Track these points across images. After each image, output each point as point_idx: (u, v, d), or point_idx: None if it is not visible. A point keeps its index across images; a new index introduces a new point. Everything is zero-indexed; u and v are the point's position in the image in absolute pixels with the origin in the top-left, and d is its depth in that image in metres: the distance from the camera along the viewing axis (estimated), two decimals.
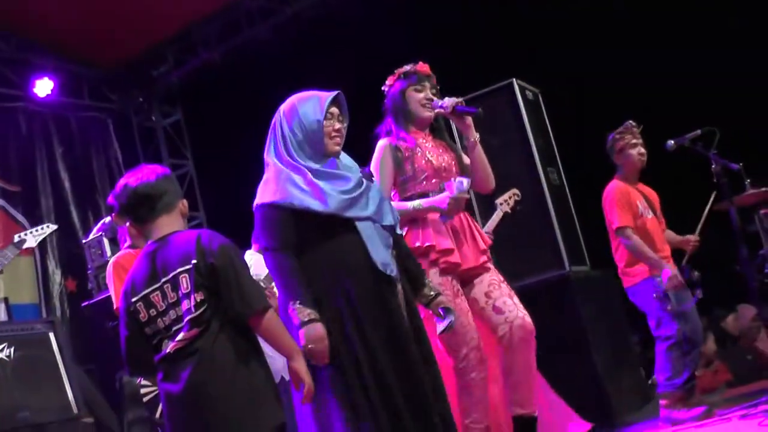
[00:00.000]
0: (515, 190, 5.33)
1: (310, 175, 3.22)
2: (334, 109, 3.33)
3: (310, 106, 3.30)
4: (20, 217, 8.00)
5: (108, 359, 5.93)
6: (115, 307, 4.21)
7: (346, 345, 3.08)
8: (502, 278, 3.87)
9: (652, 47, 6.91)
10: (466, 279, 3.82)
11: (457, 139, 5.06)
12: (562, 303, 5.68)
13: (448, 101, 3.86)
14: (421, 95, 3.90)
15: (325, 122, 3.27)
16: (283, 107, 3.34)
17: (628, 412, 5.61)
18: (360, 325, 3.10)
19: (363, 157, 4.71)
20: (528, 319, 3.73)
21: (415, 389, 3.08)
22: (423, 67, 3.96)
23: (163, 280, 2.82)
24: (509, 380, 3.73)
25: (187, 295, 2.76)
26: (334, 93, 3.33)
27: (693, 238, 5.08)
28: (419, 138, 3.92)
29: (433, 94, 3.92)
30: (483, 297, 3.78)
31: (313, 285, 3.11)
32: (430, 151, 3.88)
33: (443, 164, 3.87)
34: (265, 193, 3.22)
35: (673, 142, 4.98)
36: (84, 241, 5.52)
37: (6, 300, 6.82)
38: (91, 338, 6.32)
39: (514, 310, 3.73)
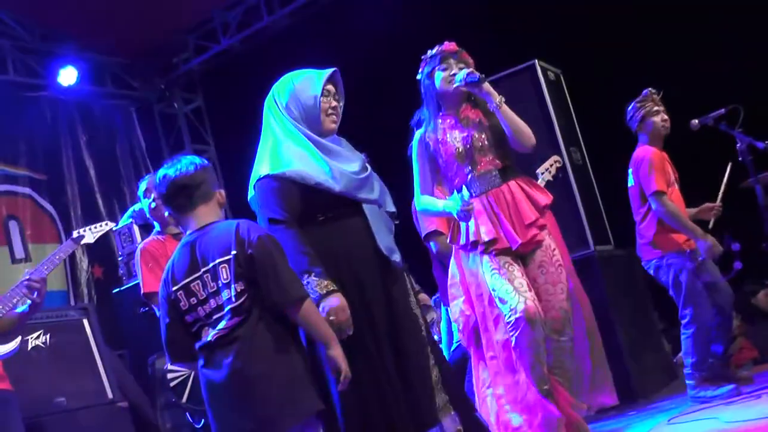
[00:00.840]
0: (556, 157, 5.21)
1: (317, 149, 3.15)
2: (330, 87, 3.27)
3: (306, 82, 3.23)
4: (48, 206, 8.09)
5: (139, 344, 6.02)
6: (142, 292, 4.30)
7: (354, 329, 3.02)
8: (555, 251, 3.79)
9: (674, 25, 6.85)
10: (521, 254, 3.78)
11: None
12: (588, 282, 5.67)
13: (459, 75, 3.78)
14: (446, 73, 3.84)
15: (321, 99, 3.21)
16: (277, 85, 3.29)
17: (653, 391, 5.61)
18: (368, 309, 3.08)
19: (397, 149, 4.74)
20: (563, 312, 3.73)
21: (423, 378, 3.09)
22: (448, 45, 3.91)
23: (203, 270, 2.87)
24: (555, 375, 3.74)
25: (228, 285, 2.81)
26: (331, 70, 3.27)
27: (715, 204, 4.99)
28: (448, 120, 3.88)
29: (461, 69, 3.82)
30: (531, 281, 3.75)
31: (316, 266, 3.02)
32: (456, 136, 3.83)
33: (474, 146, 3.80)
34: (270, 164, 3.14)
35: (697, 121, 4.97)
36: (114, 228, 5.56)
37: None
38: (121, 324, 6.37)
39: (552, 299, 3.73)
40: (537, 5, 7.16)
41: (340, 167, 3.16)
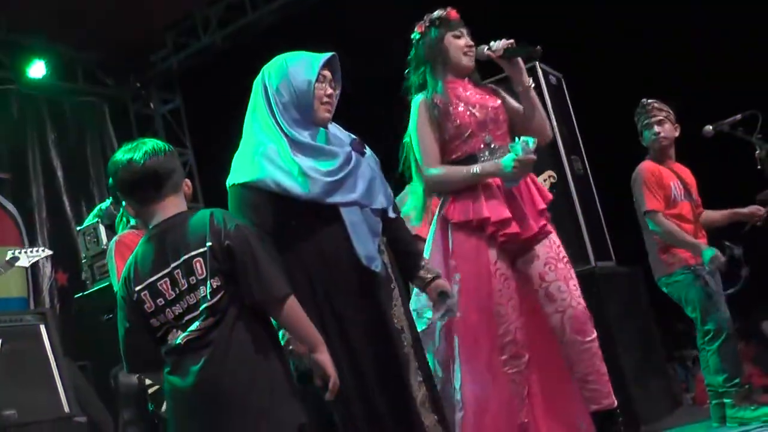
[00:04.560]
0: (550, 172, 5.01)
1: (289, 148, 2.89)
2: (327, 73, 3.00)
3: (301, 65, 2.97)
4: (10, 206, 7.78)
5: (102, 355, 5.64)
6: (116, 289, 3.93)
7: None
8: (560, 248, 3.49)
9: (684, 29, 6.61)
10: (525, 248, 3.46)
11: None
12: (588, 300, 5.37)
13: (500, 43, 3.54)
14: (462, 42, 3.57)
15: (316, 85, 2.93)
16: (269, 65, 3.02)
17: (657, 418, 5.32)
18: (341, 325, 2.82)
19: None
20: (581, 308, 3.40)
21: (398, 392, 2.83)
22: (454, 12, 3.66)
23: (174, 265, 2.52)
24: (574, 375, 3.39)
25: (203, 281, 2.49)
26: (329, 54, 3.00)
27: (761, 209, 4.68)
28: (458, 88, 3.57)
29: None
30: (537, 279, 3.43)
31: (290, 278, 2.74)
32: (472, 103, 3.51)
33: (489, 116, 3.50)
34: (239, 171, 2.91)
35: (711, 128, 4.71)
36: (78, 228, 5.22)
37: None
38: (84, 333, 6.02)
39: (567, 297, 3.39)
40: (540, 7, 6.91)
41: (315, 167, 2.88)
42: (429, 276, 3.08)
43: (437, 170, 3.48)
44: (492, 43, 3.57)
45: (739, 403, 4.48)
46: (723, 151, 5.11)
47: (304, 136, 2.94)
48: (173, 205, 2.61)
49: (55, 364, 4.74)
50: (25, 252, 4.40)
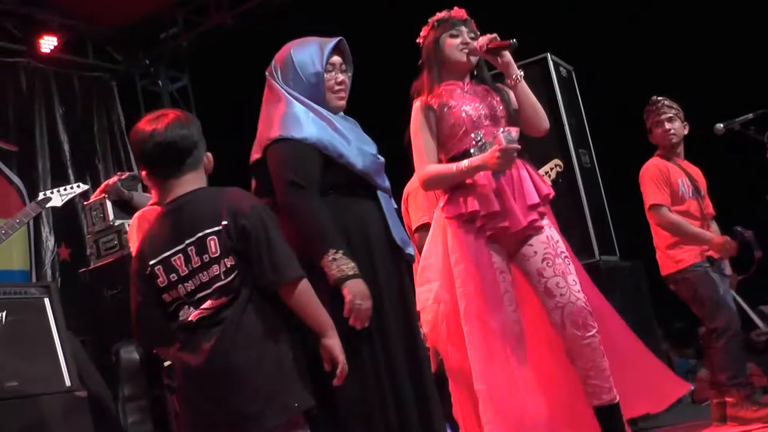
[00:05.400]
0: (557, 161, 4.95)
1: (334, 121, 2.86)
2: (336, 59, 2.95)
3: (307, 55, 2.92)
4: (15, 178, 7.73)
5: (103, 331, 5.62)
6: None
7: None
8: (558, 243, 3.44)
9: (697, 25, 6.55)
10: (518, 245, 3.42)
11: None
12: None
13: (482, 39, 3.47)
14: (458, 40, 3.52)
15: (326, 74, 2.90)
16: (277, 57, 2.97)
17: (655, 414, 5.24)
18: (379, 301, 2.76)
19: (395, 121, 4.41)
20: (581, 303, 3.32)
21: (420, 375, 2.81)
22: (458, 12, 3.59)
23: (187, 242, 2.51)
24: (576, 370, 3.38)
25: (216, 260, 2.47)
26: (335, 40, 2.95)
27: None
28: (456, 89, 3.54)
29: (471, 39, 3.52)
30: (536, 275, 3.39)
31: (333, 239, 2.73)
32: (467, 102, 3.49)
33: (482, 113, 3.46)
34: (288, 126, 2.82)
35: (722, 125, 4.68)
36: (85, 203, 5.16)
37: None
38: (86, 308, 5.96)
39: (566, 293, 3.33)
40: None
41: (359, 145, 2.88)
42: None
43: (429, 169, 3.47)
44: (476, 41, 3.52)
45: (740, 402, 4.47)
46: (733, 149, 5.08)
47: (336, 119, 2.92)
48: (191, 181, 2.59)
49: (58, 337, 4.67)
50: (57, 190, 4.15)
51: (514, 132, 3.28)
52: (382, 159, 2.96)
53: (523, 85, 3.48)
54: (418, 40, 3.67)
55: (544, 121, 3.56)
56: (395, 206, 3.08)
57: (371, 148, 2.95)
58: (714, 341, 4.53)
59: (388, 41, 6.81)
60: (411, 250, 2.94)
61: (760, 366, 5.67)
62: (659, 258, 4.78)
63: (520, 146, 3.28)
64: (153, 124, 2.56)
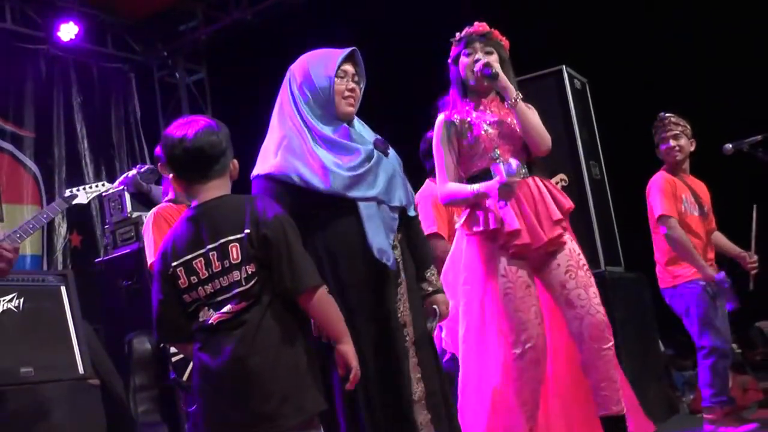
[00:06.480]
0: (563, 176, 5.02)
1: (312, 142, 2.96)
2: (349, 67, 3.06)
3: (321, 63, 3.04)
4: (30, 163, 7.82)
5: (114, 320, 5.72)
6: (149, 262, 3.99)
7: None
8: (580, 256, 3.56)
9: (712, 44, 6.60)
10: (542, 258, 3.53)
11: None
12: None
13: (476, 66, 3.57)
14: (469, 60, 3.62)
15: (336, 81, 3.01)
16: (293, 66, 3.08)
17: (653, 423, 5.36)
18: (350, 314, 2.84)
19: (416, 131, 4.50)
20: (600, 316, 3.45)
21: (393, 386, 2.89)
22: (477, 27, 3.68)
23: (209, 247, 2.58)
24: (589, 380, 3.49)
25: (238, 266, 2.55)
26: (348, 50, 3.06)
27: (750, 258, 4.75)
28: (479, 107, 3.65)
29: (488, 53, 3.60)
30: (558, 286, 3.50)
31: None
32: (486, 121, 3.60)
33: (501, 131, 3.57)
34: (263, 163, 2.97)
35: (731, 146, 4.76)
36: (104, 194, 5.24)
37: None
38: (99, 297, 6.04)
39: (586, 305, 3.45)
40: (569, 12, 6.90)
41: (336, 161, 2.96)
42: (429, 289, 3.12)
43: (448, 189, 3.59)
44: (472, 67, 3.60)
45: (721, 420, 4.56)
46: (741, 169, 5.14)
47: (327, 131, 3.01)
48: (217, 187, 2.65)
49: (73, 325, 4.74)
50: (84, 188, 4.26)
51: (515, 164, 3.38)
52: (364, 168, 2.98)
53: (522, 108, 3.55)
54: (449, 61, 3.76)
55: (544, 142, 3.59)
56: (399, 203, 3.08)
57: (352, 158, 2.98)
58: (702, 358, 4.62)
59: (405, 40, 6.90)
60: (388, 258, 2.92)
61: (756, 380, 5.74)
62: (658, 272, 4.88)
63: (520, 179, 3.39)
64: (183, 129, 2.63)
